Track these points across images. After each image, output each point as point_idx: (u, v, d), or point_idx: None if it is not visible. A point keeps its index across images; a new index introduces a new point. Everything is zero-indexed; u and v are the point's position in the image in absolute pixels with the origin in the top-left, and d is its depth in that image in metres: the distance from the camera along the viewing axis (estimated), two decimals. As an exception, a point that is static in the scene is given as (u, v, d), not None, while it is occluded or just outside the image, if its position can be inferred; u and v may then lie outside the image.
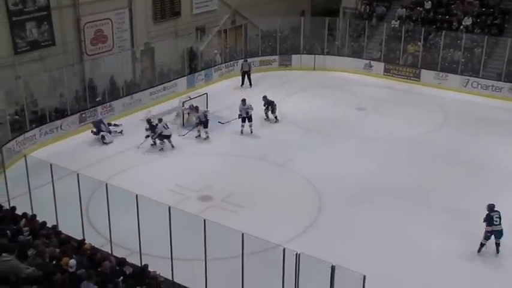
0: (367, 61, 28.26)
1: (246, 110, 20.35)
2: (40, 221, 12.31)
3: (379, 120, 22.38)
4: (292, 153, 19.07)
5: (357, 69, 28.33)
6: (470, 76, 25.83)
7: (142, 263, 11.44)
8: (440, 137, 20.80)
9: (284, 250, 9.85)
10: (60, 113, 20.64)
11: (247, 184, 17.05)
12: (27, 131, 19.12)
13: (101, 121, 20.62)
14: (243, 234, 10.19)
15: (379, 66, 27.92)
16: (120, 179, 16.56)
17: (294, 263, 9.78)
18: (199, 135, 20.38)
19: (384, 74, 27.74)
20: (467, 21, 27.59)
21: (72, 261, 10.08)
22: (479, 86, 25.47)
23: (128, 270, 10.88)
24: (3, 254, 9.40)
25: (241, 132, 20.44)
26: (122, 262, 11.00)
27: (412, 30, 28.24)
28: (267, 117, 21.94)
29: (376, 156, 19.02)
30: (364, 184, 16.98)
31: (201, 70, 26.34)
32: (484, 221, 13.42)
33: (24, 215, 12.47)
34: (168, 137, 19.54)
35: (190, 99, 21.80)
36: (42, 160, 16.19)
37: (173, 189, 16.38)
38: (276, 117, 21.84)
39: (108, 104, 22.05)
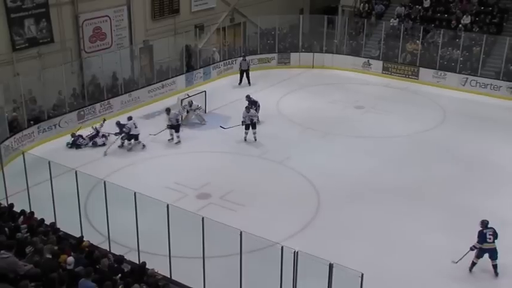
0: (366, 59, 28.25)
1: (250, 118, 19.63)
2: (38, 218, 12.31)
3: (378, 118, 22.40)
4: (290, 151, 19.08)
5: (356, 68, 28.34)
6: (469, 75, 25.82)
7: (141, 261, 11.44)
8: (438, 135, 20.83)
9: (282, 248, 9.84)
10: (59, 110, 20.62)
11: (246, 182, 17.04)
12: (26, 128, 19.09)
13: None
14: (241, 232, 10.19)
15: (378, 64, 27.92)
16: (118, 176, 16.57)
17: (292, 261, 9.79)
18: (172, 139, 19.80)
19: (383, 72, 27.75)
20: (466, 19, 27.59)
21: (70, 259, 10.09)
22: (478, 84, 25.49)
23: (126, 267, 10.89)
24: (2, 251, 9.40)
25: (245, 139, 19.74)
26: (120, 260, 11.01)
27: (411, 29, 28.24)
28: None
29: (375, 154, 19.04)
30: (362, 182, 17.00)
31: (200, 68, 26.31)
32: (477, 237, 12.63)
33: (23, 212, 12.48)
34: (136, 136, 19.18)
35: (189, 97, 21.83)
36: (40, 157, 16.22)
37: (171, 187, 16.38)
38: (257, 118, 20.90)
39: (106, 101, 22.04)
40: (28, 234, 11.25)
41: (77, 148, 19.27)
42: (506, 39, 25.18)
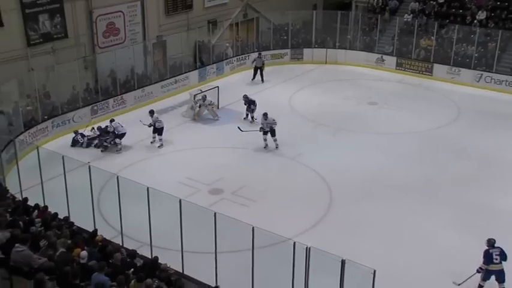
0: (379, 55, 28.11)
1: (269, 125, 18.75)
2: (52, 212, 12.41)
3: (391, 114, 22.29)
4: (303, 147, 19.05)
5: (369, 63, 28.21)
6: (484, 71, 25.59)
7: (153, 256, 11.50)
8: (452, 131, 20.67)
9: (294, 244, 9.84)
10: (72, 105, 20.75)
11: (258, 178, 17.06)
12: (40, 123, 19.24)
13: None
14: (253, 227, 10.21)
15: (391, 60, 27.77)
16: (131, 171, 16.65)
17: (304, 257, 9.79)
18: (154, 141, 19.25)
19: (396, 69, 27.59)
20: (482, 15, 27.31)
21: (84, 253, 10.17)
22: (493, 80, 25.26)
23: (139, 262, 10.96)
24: (16, 245, 9.49)
25: (265, 146, 18.93)
26: (132, 254, 11.08)
27: (425, 24, 28.04)
28: (246, 116, 21.26)
29: (387, 150, 18.96)
30: (375, 179, 16.94)
31: (213, 63, 26.33)
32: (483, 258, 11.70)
33: (37, 206, 12.58)
34: (123, 135, 18.76)
35: (202, 92, 21.85)
36: (54, 152, 16.33)
37: (184, 182, 16.42)
38: (252, 118, 21.06)
39: (119, 96, 22.13)
40: (42, 228, 11.35)
41: (73, 145, 18.94)
42: (522, 35, 24.97)
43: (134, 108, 22.32)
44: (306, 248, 9.71)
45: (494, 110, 22.66)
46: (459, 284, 12.17)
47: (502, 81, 25.02)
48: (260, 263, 10.84)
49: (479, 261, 11.79)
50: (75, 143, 19.11)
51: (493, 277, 11.71)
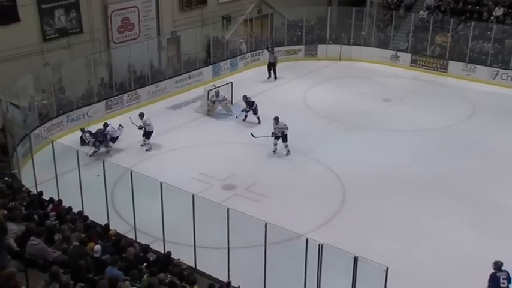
0: (394, 52, 27.94)
1: (280, 130, 18.17)
2: (66, 206, 12.50)
3: (405, 111, 22.16)
4: (316, 143, 19.00)
5: (383, 60, 28.05)
6: (500, 68, 25.35)
7: (166, 250, 11.55)
8: (467, 129, 20.51)
9: (307, 240, 9.84)
10: (87, 100, 20.87)
11: (271, 174, 17.06)
12: (54, 118, 19.38)
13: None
14: (266, 223, 10.21)
15: (406, 57, 27.59)
16: (145, 166, 16.72)
17: (317, 253, 9.78)
18: (144, 145, 18.64)
19: (411, 65, 27.42)
20: (499, 11, 27.03)
21: (98, 247, 10.25)
22: (509, 78, 24.99)
23: (152, 256, 11.02)
24: (32, 238, 9.58)
25: (274, 151, 18.44)
26: (146, 249, 11.14)
27: (440, 21, 27.80)
28: (245, 118, 20.92)
29: (401, 147, 18.86)
30: (388, 175, 16.86)
31: (227, 59, 26.32)
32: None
33: (51, 200, 12.68)
34: (116, 138, 18.40)
35: (216, 87, 21.87)
36: (69, 146, 16.44)
37: (197, 178, 16.46)
38: (258, 119, 20.70)
39: (134, 91, 22.22)
40: (56, 222, 11.44)
41: (82, 144, 18.45)
42: (540, 32, 24.68)
43: (148, 103, 22.39)
44: (319, 244, 9.71)
45: (510, 107, 22.43)
46: None
47: (519, 78, 24.79)
48: (272, 259, 10.84)
49: (494, 258, 11.31)
50: (83, 142, 18.71)
51: None
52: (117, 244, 10.84)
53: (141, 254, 10.88)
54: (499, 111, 22.06)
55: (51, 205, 12.49)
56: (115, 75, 22.11)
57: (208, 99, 21.58)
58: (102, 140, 18.19)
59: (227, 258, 11.25)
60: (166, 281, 9.52)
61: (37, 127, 18.26)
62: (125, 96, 21.88)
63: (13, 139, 16.40)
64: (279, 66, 26.02)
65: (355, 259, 9.28)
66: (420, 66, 27.21)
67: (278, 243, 11.28)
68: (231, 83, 22.69)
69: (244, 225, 10.90)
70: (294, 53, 28.71)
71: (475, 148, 18.81)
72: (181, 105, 22.59)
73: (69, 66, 20.35)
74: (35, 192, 13.73)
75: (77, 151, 13.39)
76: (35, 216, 11.22)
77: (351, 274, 9.45)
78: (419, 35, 27.78)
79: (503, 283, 10.56)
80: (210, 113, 21.59)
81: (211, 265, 11.60)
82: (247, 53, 27.43)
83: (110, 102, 21.30)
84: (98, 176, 13.09)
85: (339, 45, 28.81)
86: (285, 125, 18.19)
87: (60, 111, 19.76)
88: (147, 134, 18.60)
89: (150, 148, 18.65)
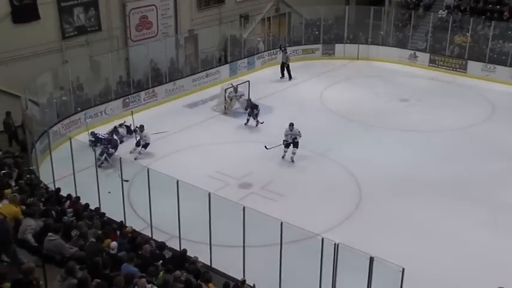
0: (412, 51, 27.75)
1: (292, 136, 17.73)
2: (83, 203, 12.59)
3: (423, 111, 21.98)
4: (333, 142, 18.92)
5: (401, 60, 27.86)
6: (521, 68, 25.09)
7: (182, 248, 11.59)
8: (486, 130, 20.29)
9: (323, 240, 9.82)
10: (104, 98, 21.01)
11: (287, 172, 17.05)
12: (73, 115, 19.53)
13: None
14: (281, 222, 10.20)
15: (425, 57, 27.37)
16: (161, 164, 16.77)
17: (332, 253, 9.75)
18: (133, 151, 18.04)
19: (429, 65, 27.20)
20: (520, 11, 26.75)
21: (114, 244, 10.32)
22: (529, 78, 24.75)
23: (168, 254, 11.06)
24: (49, 234, 9.67)
25: (283, 157, 17.95)
26: (161, 246, 11.19)
27: (459, 21, 27.53)
28: (247, 121, 20.64)
29: (418, 148, 18.72)
30: (405, 176, 16.74)
31: (244, 58, 26.33)
32: None
33: (69, 196, 12.79)
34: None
35: (233, 86, 21.89)
36: (87, 143, 16.60)
37: (213, 176, 16.48)
38: (257, 122, 20.44)
39: (151, 89, 22.33)
40: (74, 218, 11.53)
41: (95, 145, 17.41)
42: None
43: (165, 101, 22.49)
44: (334, 244, 9.68)
45: (530, 109, 22.18)
46: None
47: (539, 79, 24.49)
48: (288, 258, 10.82)
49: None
50: (96, 141, 17.93)
51: None
52: (133, 241, 10.91)
53: (157, 252, 10.92)
54: (519, 112, 21.80)
55: (68, 201, 12.60)
56: (133, 73, 22.24)
57: (225, 97, 21.60)
58: (112, 147, 17.38)
59: (243, 257, 11.26)
60: (182, 278, 9.55)
61: (55, 124, 18.42)
62: (142, 94, 21.99)
63: (32, 136, 16.56)
64: (295, 65, 25.95)
65: (371, 259, 9.24)
66: (439, 66, 26.98)
67: (294, 242, 11.25)
68: (248, 81, 22.69)
69: (260, 224, 10.89)
70: (312, 52, 28.63)
71: (493, 149, 18.61)
72: (198, 104, 22.65)
73: (87, 63, 20.48)
74: (53, 189, 13.85)
75: (94, 149, 13.47)
76: (53, 212, 11.32)
77: (366, 274, 9.41)
78: (438, 34, 27.54)
79: None
80: (226, 111, 21.62)
81: (227, 263, 11.62)
82: (264, 51, 27.42)
83: (127, 100, 21.42)
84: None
85: (357, 45, 28.69)
86: (299, 131, 17.77)
87: (78, 109, 19.91)
88: (144, 146, 18.07)
89: (137, 158, 17.72)
